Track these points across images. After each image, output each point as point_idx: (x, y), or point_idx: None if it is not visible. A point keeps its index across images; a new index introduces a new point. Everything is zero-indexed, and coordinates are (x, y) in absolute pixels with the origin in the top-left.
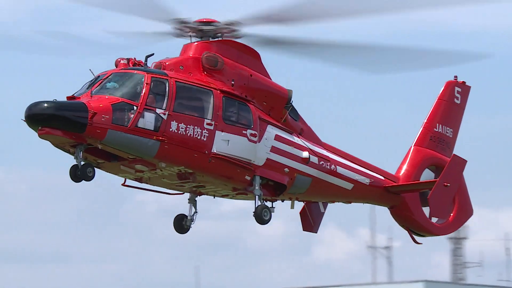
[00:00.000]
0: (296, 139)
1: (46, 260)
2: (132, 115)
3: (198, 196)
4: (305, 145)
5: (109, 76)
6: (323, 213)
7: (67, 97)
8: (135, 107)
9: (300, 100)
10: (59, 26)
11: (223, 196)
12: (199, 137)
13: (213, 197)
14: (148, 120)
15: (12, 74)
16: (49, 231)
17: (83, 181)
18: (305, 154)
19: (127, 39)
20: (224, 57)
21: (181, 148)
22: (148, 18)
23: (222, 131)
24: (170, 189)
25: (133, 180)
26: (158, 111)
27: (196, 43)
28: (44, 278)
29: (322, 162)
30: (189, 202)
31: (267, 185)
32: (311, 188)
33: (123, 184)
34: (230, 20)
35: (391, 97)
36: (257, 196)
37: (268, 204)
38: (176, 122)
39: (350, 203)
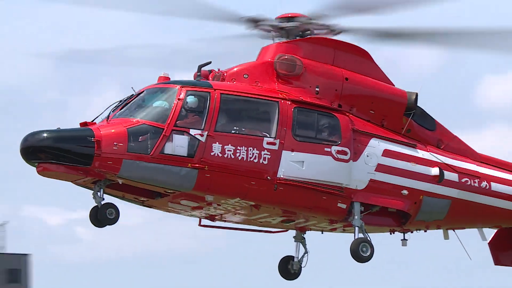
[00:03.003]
0: (421, 153)
1: None
2: (156, 140)
3: (304, 233)
4: (436, 160)
5: (140, 93)
6: None
7: (80, 123)
8: (161, 130)
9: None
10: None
11: (331, 230)
12: (256, 161)
13: (321, 232)
14: (178, 145)
15: None
16: None
17: (107, 225)
18: (435, 171)
19: (209, 46)
20: (307, 59)
21: (230, 176)
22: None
23: (293, 151)
24: (258, 226)
25: (204, 218)
26: (193, 132)
27: (273, 44)
28: None
29: (466, 179)
30: (295, 241)
31: (387, 213)
32: (453, 212)
33: (200, 225)
34: (316, 12)
35: None
36: (357, 228)
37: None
38: (219, 144)
39: None
